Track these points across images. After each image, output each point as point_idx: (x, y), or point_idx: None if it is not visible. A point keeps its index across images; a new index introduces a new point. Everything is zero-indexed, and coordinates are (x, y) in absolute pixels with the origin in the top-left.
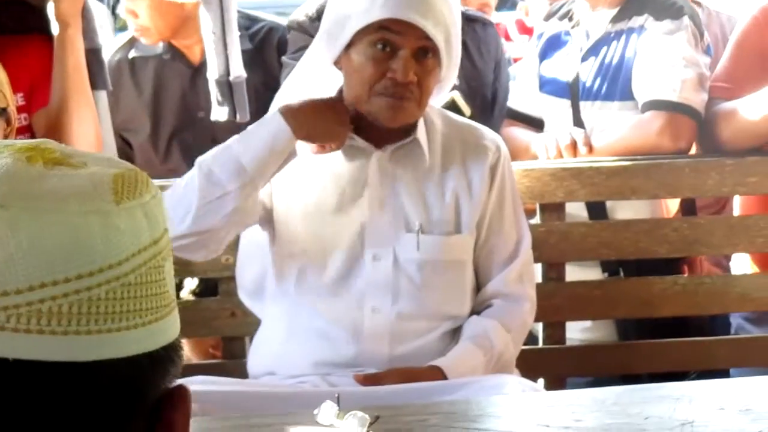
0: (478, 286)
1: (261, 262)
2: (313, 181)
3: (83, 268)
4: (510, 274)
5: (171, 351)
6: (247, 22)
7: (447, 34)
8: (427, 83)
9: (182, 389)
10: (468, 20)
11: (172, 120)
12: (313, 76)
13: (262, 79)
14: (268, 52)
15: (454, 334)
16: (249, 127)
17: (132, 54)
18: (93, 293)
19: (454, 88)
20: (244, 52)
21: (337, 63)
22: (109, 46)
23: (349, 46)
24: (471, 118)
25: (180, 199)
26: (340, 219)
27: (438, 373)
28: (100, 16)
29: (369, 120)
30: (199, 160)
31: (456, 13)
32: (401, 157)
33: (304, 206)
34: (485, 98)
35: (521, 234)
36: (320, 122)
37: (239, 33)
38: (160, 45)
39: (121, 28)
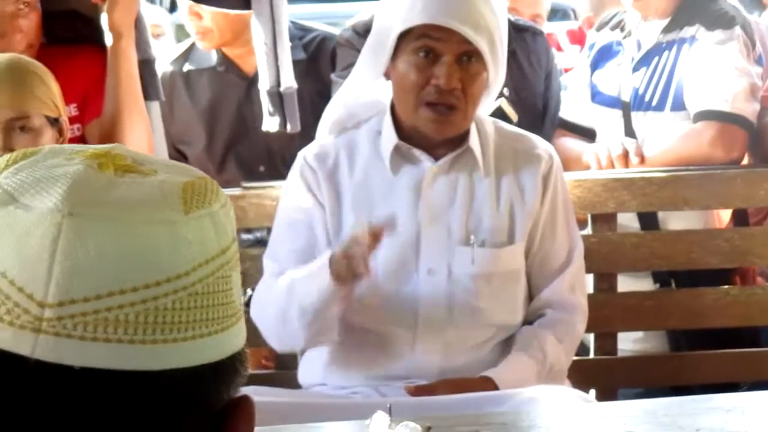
0: (531, 295)
1: None
2: (366, 193)
3: (150, 278)
4: (562, 283)
5: (236, 361)
6: (301, 33)
7: (490, 37)
8: (472, 89)
9: (246, 400)
10: (518, 30)
11: (227, 132)
12: (361, 91)
13: (317, 89)
14: (322, 61)
15: (506, 344)
16: (305, 273)
17: (186, 67)
18: (159, 303)
19: (503, 96)
20: (298, 62)
21: (386, 75)
22: (167, 55)
23: (395, 57)
24: (521, 128)
25: (278, 333)
26: (394, 232)
27: (490, 384)
28: (162, 21)
29: (423, 133)
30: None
31: (500, 15)
32: (455, 167)
33: (358, 217)
34: (536, 108)
35: (573, 242)
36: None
37: (293, 43)
38: (214, 57)
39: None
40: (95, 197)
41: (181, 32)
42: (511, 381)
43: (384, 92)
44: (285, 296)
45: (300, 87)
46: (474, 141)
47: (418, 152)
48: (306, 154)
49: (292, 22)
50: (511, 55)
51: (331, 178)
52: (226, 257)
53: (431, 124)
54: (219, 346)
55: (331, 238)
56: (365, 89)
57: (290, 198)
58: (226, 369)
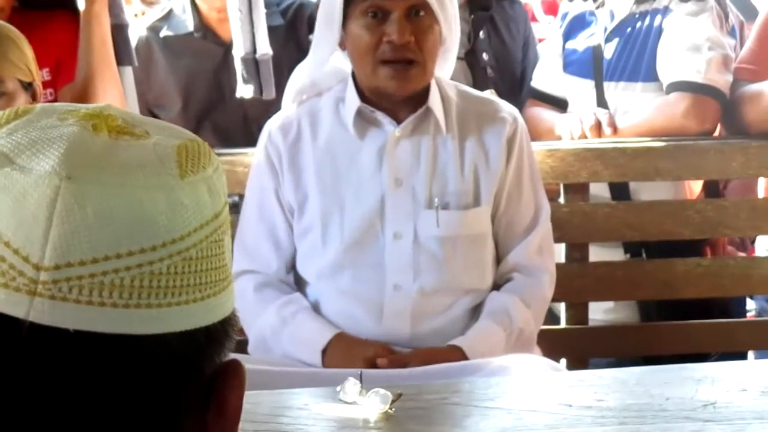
0: (498, 258)
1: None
2: (331, 160)
3: (146, 243)
4: (529, 246)
5: (227, 325)
6: None
7: None
8: (426, 42)
9: (236, 364)
10: None
11: (203, 98)
12: (322, 60)
13: (295, 56)
14: (300, 27)
15: (476, 309)
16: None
17: (164, 32)
18: (155, 267)
19: (485, 65)
20: (275, 27)
21: (342, 45)
22: (141, 21)
23: (346, 25)
24: (501, 95)
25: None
26: (358, 196)
27: (458, 353)
28: None
29: (385, 95)
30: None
31: None
32: (418, 130)
33: (322, 185)
34: (514, 75)
35: (539, 205)
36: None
37: (270, 9)
38: (191, 23)
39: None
40: (93, 161)
41: None
42: (479, 350)
43: (345, 61)
44: (269, 333)
45: (278, 53)
46: (435, 102)
47: (380, 115)
48: (271, 128)
49: None
50: (490, 22)
51: (294, 150)
52: (219, 221)
53: (391, 81)
54: (212, 310)
55: (295, 210)
56: (323, 62)
57: (256, 176)
58: (218, 333)
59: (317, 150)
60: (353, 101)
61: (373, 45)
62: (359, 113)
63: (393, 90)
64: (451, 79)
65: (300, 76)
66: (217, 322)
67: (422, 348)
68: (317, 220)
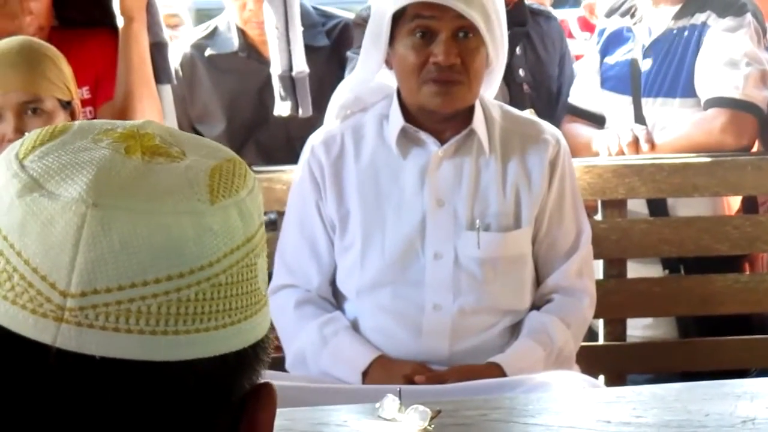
0: (538, 280)
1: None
2: (373, 177)
3: (174, 269)
4: (570, 268)
5: (259, 349)
6: (323, 19)
7: (484, 11)
8: (473, 64)
9: (268, 387)
10: (532, 14)
11: (247, 117)
12: (367, 79)
13: (339, 75)
14: (345, 48)
15: (515, 329)
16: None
17: (208, 51)
18: (182, 294)
19: (522, 81)
20: (321, 48)
21: (388, 64)
22: (185, 38)
23: (394, 43)
24: (537, 110)
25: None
26: (400, 215)
27: (497, 370)
28: (179, 8)
29: (429, 113)
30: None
31: None
32: (461, 150)
33: (364, 202)
34: (550, 91)
35: (581, 227)
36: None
37: (315, 30)
38: (236, 42)
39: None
40: (121, 187)
41: (198, 18)
42: (518, 367)
43: (391, 77)
44: (309, 351)
45: (322, 73)
46: (478, 123)
47: (424, 135)
48: (314, 143)
49: (315, 8)
50: (526, 38)
51: (338, 165)
52: (252, 244)
53: (436, 98)
54: (242, 334)
55: (336, 226)
56: (369, 78)
57: (298, 190)
58: (249, 357)
59: (360, 167)
60: (397, 120)
61: (419, 65)
62: (403, 132)
63: (436, 107)
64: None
65: (344, 91)
66: (249, 346)
67: (461, 365)
68: (358, 237)
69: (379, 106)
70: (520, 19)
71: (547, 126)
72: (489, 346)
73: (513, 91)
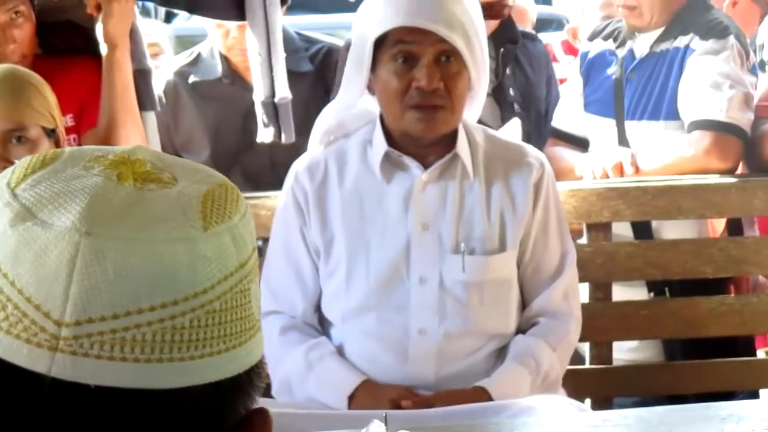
0: (524, 304)
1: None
2: (357, 202)
3: (168, 297)
4: (555, 291)
5: (253, 374)
6: (306, 44)
7: (465, 35)
8: (455, 88)
9: (263, 413)
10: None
11: (232, 144)
12: (349, 105)
13: (323, 100)
14: (328, 73)
15: (500, 353)
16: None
17: (192, 78)
18: (177, 322)
19: (513, 101)
20: (305, 74)
21: (371, 89)
22: (169, 65)
23: (376, 69)
24: (527, 131)
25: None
26: (384, 239)
27: (484, 395)
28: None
29: (412, 138)
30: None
31: (474, 14)
32: (445, 175)
33: (348, 227)
34: (539, 111)
35: (566, 250)
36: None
37: (299, 55)
38: (220, 69)
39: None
40: (114, 215)
41: (180, 45)
42: (505, 391)
43: (373, 102)
44: (294, 377)
45: (307, 98)
46: (462, 147)
47: (407, 159)
48: (298, 169)
49: (298, 34)
50: (515, 60)
51: (321, 191)
52: (245, 270)
53: (419, 124)
54: (237, 360)
55: (321, 251)
56: (351, 105)
57: (282, 217)
58: (243, 383)
59: (344, 192)
60: (380, 145)
61: (402, 90)
62: (386, 157)
63: (420, 133)
64: (481, 115)
65: (327, 117)
66: (243, 372)
67: (447, 389)
68: (343, 262)
69: (363, 132)
70: (511, 37)
71: (530, 149)
72: (475, 370)
73: (504, 110)
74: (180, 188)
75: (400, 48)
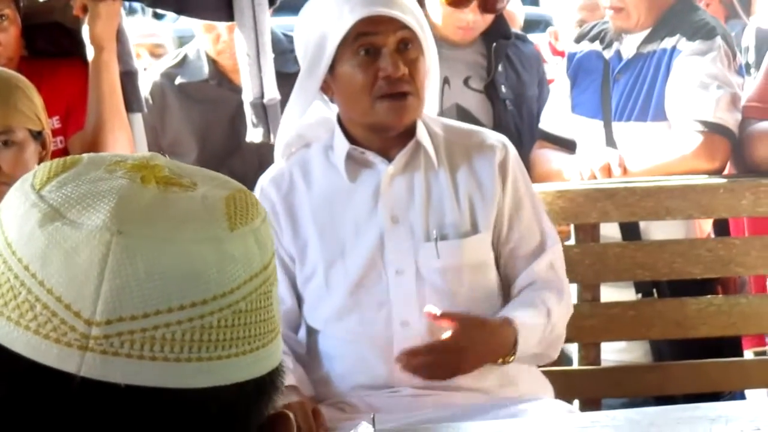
0: (508, 285)
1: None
2: (326, 206)
3: (197, 296)
4: (539, 266)
5: (275, 377)
6: (294, 46)
7: (418, 21)
8: (418, 73)
9: (285, 417)
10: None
11: (219, 145)
12: (302, 111)
13: None
14: None
15: None
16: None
17: (179, 80)
18: (205, 321)
19: (505, 98)
20: (293, 74)
21: (324, 90)
22: (155, 67)
23: (333, 69)
24: (521, 132)
25: None
26: (357, 238)
27: (509, 326)
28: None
29: (375, 132)
30: None
31: (414, 4)
32: (410, 166)
33: (321, 231)
34: (531, 111)
35: (544, 230)
36: None
37: (286, 56)
38: (206, 70)
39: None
40: (143, 215)
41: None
42: (527, 325)
43: (328, 109)
44: None
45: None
46: (422, 135)
47: (371, 155)
48: (263, 183)
49: (285, 35)
50: (506, 58)
51: (289, 200)
52: (268, 272)
53: (391, 114)
54: (261, 362)
55: (296, 259)
56: (309, 111)
57: None
58: (266, 385)
59: (313, 198)
60: (342, 145)
61: (369, 82)
62: (350, 156)
63: (392, 122)
64: (474, 111)
65: (287, 130)
66: (266, 374)
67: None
68: (320, 266)
69: (322, 139)
70: (503, 32)
71: (491, 133)
72: None
73: (497, 107)
74: (202, 192)
75: (362, 41)
